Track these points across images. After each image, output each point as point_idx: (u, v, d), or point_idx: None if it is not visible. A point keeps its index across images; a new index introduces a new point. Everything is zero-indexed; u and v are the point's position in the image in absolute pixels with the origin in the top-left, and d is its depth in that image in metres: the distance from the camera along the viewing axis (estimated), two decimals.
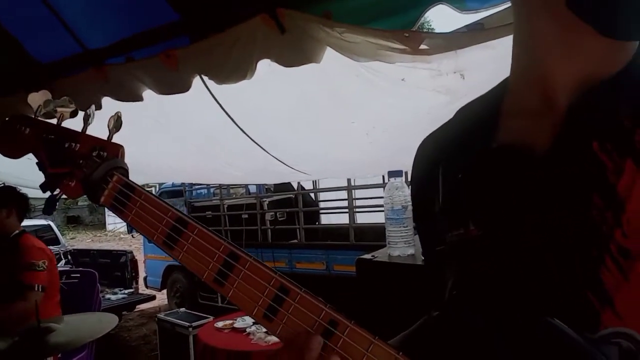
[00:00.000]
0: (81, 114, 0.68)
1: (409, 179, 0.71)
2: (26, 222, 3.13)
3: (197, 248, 0.57)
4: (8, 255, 2.58)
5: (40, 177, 0.66)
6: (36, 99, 0.67)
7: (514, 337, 0.50)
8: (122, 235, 16.91)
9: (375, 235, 4.60)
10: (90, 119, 0.67)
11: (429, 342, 0.59)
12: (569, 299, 0.47)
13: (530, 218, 0.51)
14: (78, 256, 6.89)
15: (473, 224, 0.55)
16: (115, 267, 6.47)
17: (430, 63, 1.53)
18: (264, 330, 2.96)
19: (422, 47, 1.42)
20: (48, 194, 0.65)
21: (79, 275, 3.87)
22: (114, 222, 19.37)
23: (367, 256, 1.67)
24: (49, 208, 0.67)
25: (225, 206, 6.76)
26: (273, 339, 2.82)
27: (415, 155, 0.69)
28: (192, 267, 0.57)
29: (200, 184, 7.03)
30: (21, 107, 2.26)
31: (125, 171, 0.65)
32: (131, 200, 0.61)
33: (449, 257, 0.58)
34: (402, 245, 1.59)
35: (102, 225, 20.76)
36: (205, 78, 1.88)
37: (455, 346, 0.56)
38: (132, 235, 10.13)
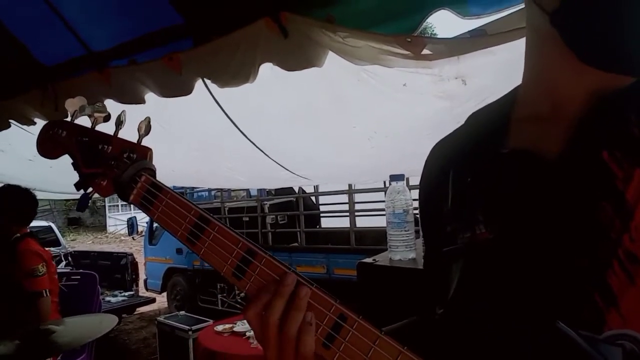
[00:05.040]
0: (113, 118, 0.73)
1: (418, 182, 0.73)
2: None
3: (217, 244, 0.61)
4: (5, 260, 2.56)
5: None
6: (73, 104, 0.72)
7: (518, 338, 0.51)
8: (122, 238, 16.92)
9: (376, 239, 4.60)
10: (122, 124, 0.72)
11: (433, 339, 0.59)
12: (576, 300, 0.48)
13: (539, 222, 0.52)
14: (78, 258, 6.89)
15: (483, 226, 0.56)
16: (116, 269, 6.47)
17: (432, 68, 1.53)
18: None
19: (425, 52, 1.42)
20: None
21: (79, 277, 3.86)
22: (115, 224, 19.39)
23: (368, 260, 1.66)
24: (82, 205, 0.72)
25: (226, 209, 6.76)
26: None
27: (426, 160, 0.71)
28: (212, 262, 0.61)
29: (202, 187, 7.03)
30: (26, 109, 2.27)
31: (153, 172, 0.69)
32: (157, 199, 0.65)
33: (456, 258, 0.59)
34: (404, 249, 1.59)
35: (102, 227, 20.75)
36: (208, 81, 1.88)
37: (459, 344, 0.57)
38: (132, 238, 10.13)
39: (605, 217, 0.48)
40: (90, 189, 0.70)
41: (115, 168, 0.68)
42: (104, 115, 0.73)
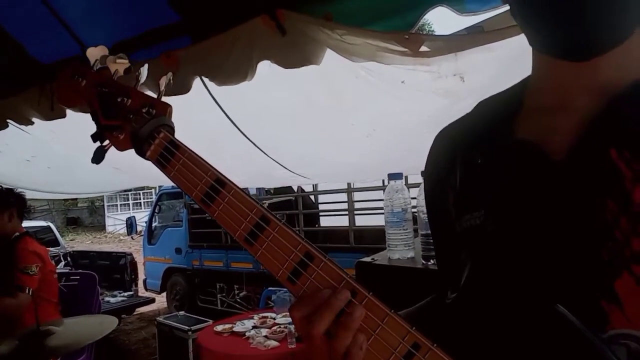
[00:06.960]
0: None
1: (420, 174, 0.73)
2: (26, 224, 3.13)
3: (232, 207, 0.61)
4: (5, 258, 2.59)
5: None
6: (94, 53, 0.70)
7: (523, 326, 0.51)
8: (121, 237, 16.89)
9: (374, 237, 4.60)
10: (140, 77, 0.70)
11: (444, 323, 0.59)
12: (580, 300, 0.48)
13: (542, 216, 0.52)
14: (77, 258, 6.87)
15: (487, 215, 0.56)
16: (115, 269, 6.45)
17: (430, 65, 1.53)
18: (263, 334, 2.95)
19: (423, 49, 1.41)
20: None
21: (78, 277, 3.86)
22: (114, 224, 19.36)
23: (367, 259, 1.66)
24: (97, 158, 0.69)
25: None
26: (272, 343, 2.81)
27: (433, 145, 0.71)
28: (225, 225, 0.61)
29: None
30: (24, 108, 2.26)
31: (171, 129, 0.68)
32: (175, 157, 0.64)
33: (465, 242, 0.58)
34: (402, 248, 1.59)
35: (101, 227, 20.71)
36: (206, 80, 1.88)
37: (470, 328, 0.56)
38: (131, 237, 10.11)
39: (610, 215, 0.47)
40: (106, 142, 0.68)
41: (134, 122, 0.66)
42: (125, 66, 0.71)
